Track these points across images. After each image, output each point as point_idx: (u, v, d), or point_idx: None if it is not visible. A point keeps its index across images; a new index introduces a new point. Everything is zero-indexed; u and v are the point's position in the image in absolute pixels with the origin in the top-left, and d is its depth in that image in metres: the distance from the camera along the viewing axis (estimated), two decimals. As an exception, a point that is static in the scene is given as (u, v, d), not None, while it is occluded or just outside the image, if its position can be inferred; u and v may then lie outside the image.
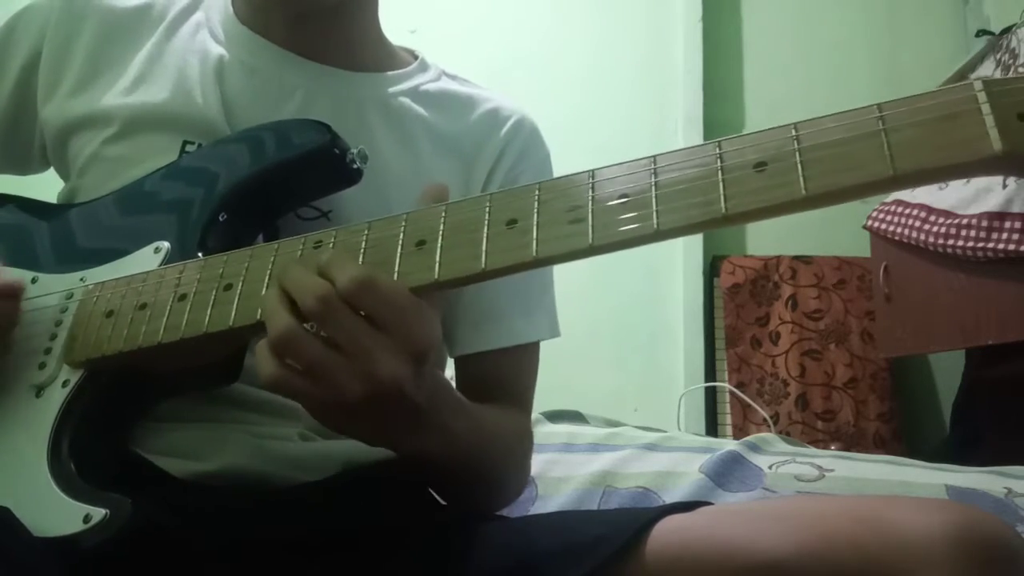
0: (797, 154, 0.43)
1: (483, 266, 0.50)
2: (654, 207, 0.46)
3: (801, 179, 0.43)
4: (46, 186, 0.82)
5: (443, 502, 0.75)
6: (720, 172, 0.45)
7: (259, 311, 0.54)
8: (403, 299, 0.50)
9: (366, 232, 0.54)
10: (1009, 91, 0.39)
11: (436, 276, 0.50)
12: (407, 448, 0.60)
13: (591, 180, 0.49)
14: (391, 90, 0.81)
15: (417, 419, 0.55)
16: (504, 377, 0.79)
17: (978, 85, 0.40)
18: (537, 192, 0.50)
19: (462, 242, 0.51)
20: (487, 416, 0.69)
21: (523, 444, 0.80)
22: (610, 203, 0.47)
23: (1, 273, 0.65)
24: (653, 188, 0.46)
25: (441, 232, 0.51)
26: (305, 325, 0.51)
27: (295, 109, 0.75)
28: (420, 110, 0.81)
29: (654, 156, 0.47)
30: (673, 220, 0.45)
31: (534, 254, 0.48)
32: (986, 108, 0.40)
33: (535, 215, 0.49)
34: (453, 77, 0.87)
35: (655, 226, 0.46)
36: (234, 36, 0.79)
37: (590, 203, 0.48)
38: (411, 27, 2.15)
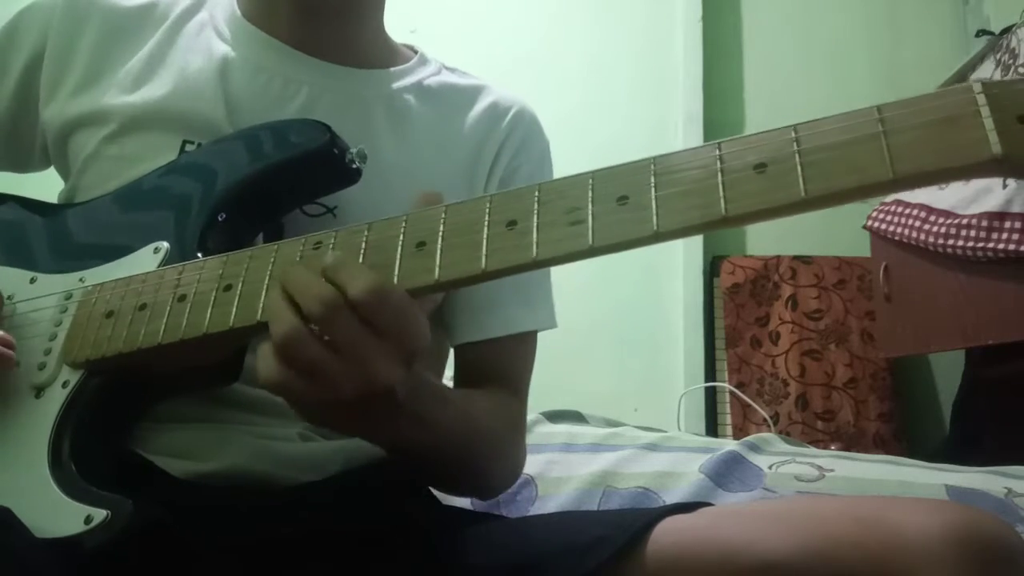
0: (797, 156, 0.43)
1: (483, 267, 0.50)
2: (654, 208, 0.46)
3: (801, 181, 0.43)
4: (46, 185, 0.82)
5: (436, 492, 0.76)
6: (720, 174, 0.45)
7: (260, 312, 0.54)
8: (404, 304, 0.50)
9: (366, 233, 0.54)
10: (1008, 93, 0.39)
11: (436, 277, 0.50)
12: (384, 438, 0.61)
13: (591, 181, 0.48)
14: (394, 86, 0.81)
15: (395, 411, 0.56)
16: (502, 366, 0.80)
17: (977, 87, 0.40)
18: (537, 193, 0.50)
19: (462, 243, 0.51)
20: (475, 405, 0.70)
21: (515, 433, 0.80)
22: (610, 204, 0.47)
23: None
24: (653, 189, 0.46)
25: (441, 233, 0.51)
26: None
27: (299, 107, 0.75)
28: (423, 105, 0.82)
29: (653, 158, 0.47)
30: (673, 221, 0.45)
31: (534, 255, 0.48)
32: (985, 111, 0.40)
33: (535, 216, 0.49)
34: (452, 70, 0.88)
35: (655, 227, 0.45)
36: (239, 34, 0.79)
37: (590, 204, 0.48)
38: (411, 27, 2.15)
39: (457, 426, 0.64)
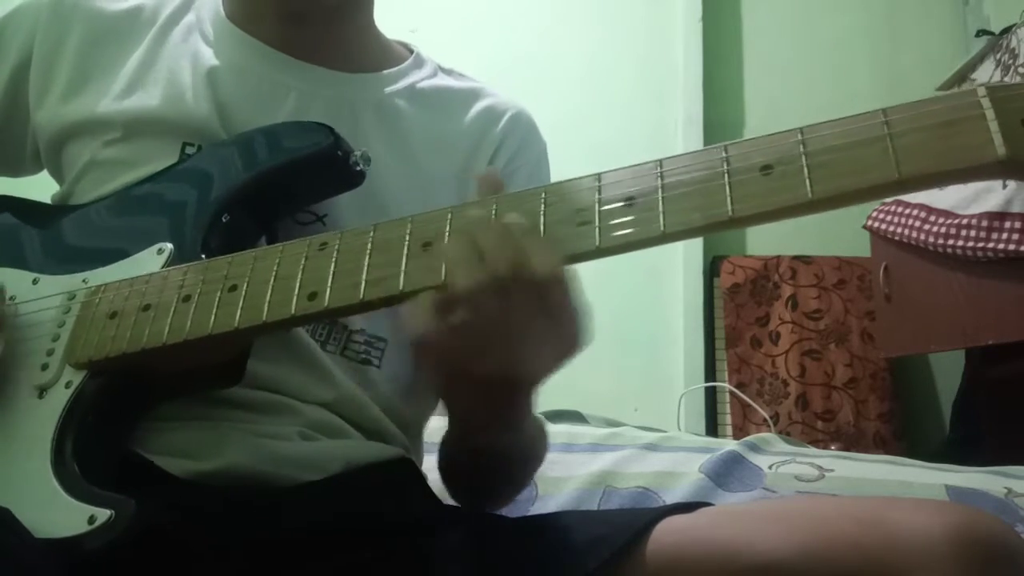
0: (803, 157, 0.44)
1: None
2: (660, 209, 0.46)
3: (808, 182, 0.43)
4: (42, 187, 0.81)
5: (456, 502, 0.76)
6: (726, 175, 0.45)
7: (260, 306, 0.54)
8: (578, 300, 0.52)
9: (371, 234, 0.54)
10: (1013, 97, 0.40)
11: (442, 278, 0.50)
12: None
13: (598, 183, 0.49)
14: (386, 91, 0.80)
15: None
16: None
17: (982, 91, 0.40)
18: (543, 195, 0.50)
19: None
20: None
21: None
22: (617, 206, 0.47)
23: None
24: (660, 191, 0.47)
25: (447, 234, 0.51)
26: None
27: (289, 111, 0.74)
28: (416, 110, 0.80)
29: (660, 160, 0.48)
30: (680, 222, 0.46)
31: None
32: (990, 114, 0.40)
33: (541, 217, 0.49)
34: (448, 72, 0.86)
35: (662, 228, 0.46)
36: (224, 38, 0.77)
37: (597, 206, 0.48)
38: (411, 27, 2.15)
39: (534, 429, 0.65)
